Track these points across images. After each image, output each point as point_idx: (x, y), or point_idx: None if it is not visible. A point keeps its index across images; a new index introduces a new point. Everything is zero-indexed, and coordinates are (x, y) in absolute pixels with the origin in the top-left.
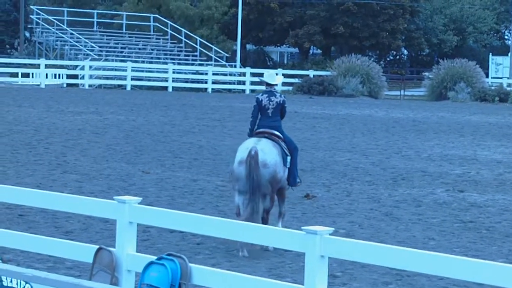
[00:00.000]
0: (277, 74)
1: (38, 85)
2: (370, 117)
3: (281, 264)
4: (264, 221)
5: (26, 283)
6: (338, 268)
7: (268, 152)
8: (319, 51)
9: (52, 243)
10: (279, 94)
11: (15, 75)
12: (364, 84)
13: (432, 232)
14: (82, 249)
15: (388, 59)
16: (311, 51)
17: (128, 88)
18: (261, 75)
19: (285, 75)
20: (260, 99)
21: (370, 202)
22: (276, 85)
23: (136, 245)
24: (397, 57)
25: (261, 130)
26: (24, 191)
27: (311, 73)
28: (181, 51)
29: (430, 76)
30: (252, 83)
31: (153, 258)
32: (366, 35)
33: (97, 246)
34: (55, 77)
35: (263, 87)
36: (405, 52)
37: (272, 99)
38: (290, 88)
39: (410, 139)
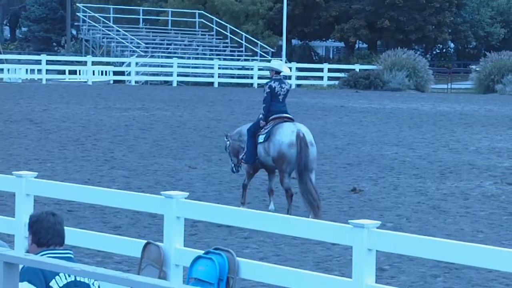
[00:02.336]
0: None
1: (85, 82)
2: (417, 110)
3: (328, 258)
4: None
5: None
6: (386, 261)
7: (309, 132)
8: (365, 45)
9: (100, 238)
10: (287, 81)
11: (62, 72)
12: (411, 77)
13: (481, 225)
14: (130, 244)
15: (434, 52)
16: (357, 45)
17: (174, 84)
18: (307, 70)
19: (331, 70)
20: (274, 86)
21: (417, 195)
22: (282, 73)
23: (184, 240)
24: (444, 50)
25: (279, 115)
26: (72, 187)
27: (357, 67)
28: (226, 47)
29: (477, 69)
30: (298, 78)
31: (201, 252)
32: (412, 29)
33: (145, 241)
34: (102, 74)
35: (309, 82)
36: (452, 45)
37: (283, 86)
38: (336, 82)
39: (457, 132)
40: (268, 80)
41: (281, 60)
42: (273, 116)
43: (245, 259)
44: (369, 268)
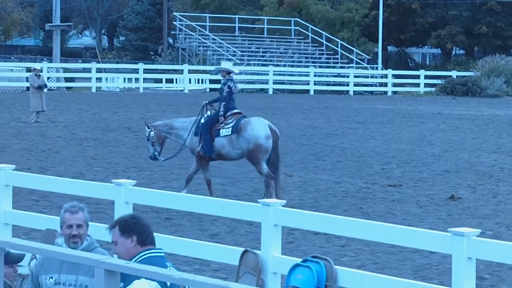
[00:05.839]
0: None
1: (182, 90)
2: None
3: (427, 266)
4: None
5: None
6: (485, 270)
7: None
8: (462, 51)
9: (198, 246)
10: (237, 81)
11: (159, 81)
12: (509, 84)
13: None
14: (228, 251)
15: None
16: (453, 52)
17: (270, 92)
18: (404, 76)
19: (427, 76)
20: (231, 86)
21: None
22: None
23: (281, 248)
24: None
25: (235, 111)
26: (170, 195)
27: (454, 73)
28: (322, 54)
29: None
30: (394, 84)
31: (298, 260)
32: (510, 35)
33: (243, 249)
34: (198, 82)
35: (405, 89)
36: None
37: (236, 86)
38: (433, 89)
39: None
40: (225, 80)
41: (230, 61)
42: (230, 112)
43: (343, 267)
44: (469, 276)
